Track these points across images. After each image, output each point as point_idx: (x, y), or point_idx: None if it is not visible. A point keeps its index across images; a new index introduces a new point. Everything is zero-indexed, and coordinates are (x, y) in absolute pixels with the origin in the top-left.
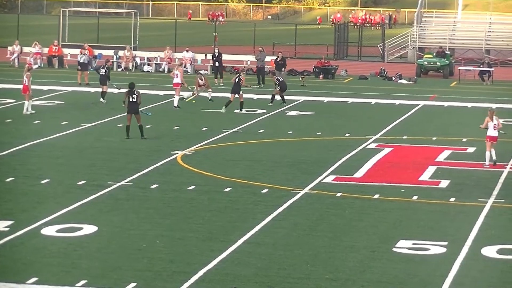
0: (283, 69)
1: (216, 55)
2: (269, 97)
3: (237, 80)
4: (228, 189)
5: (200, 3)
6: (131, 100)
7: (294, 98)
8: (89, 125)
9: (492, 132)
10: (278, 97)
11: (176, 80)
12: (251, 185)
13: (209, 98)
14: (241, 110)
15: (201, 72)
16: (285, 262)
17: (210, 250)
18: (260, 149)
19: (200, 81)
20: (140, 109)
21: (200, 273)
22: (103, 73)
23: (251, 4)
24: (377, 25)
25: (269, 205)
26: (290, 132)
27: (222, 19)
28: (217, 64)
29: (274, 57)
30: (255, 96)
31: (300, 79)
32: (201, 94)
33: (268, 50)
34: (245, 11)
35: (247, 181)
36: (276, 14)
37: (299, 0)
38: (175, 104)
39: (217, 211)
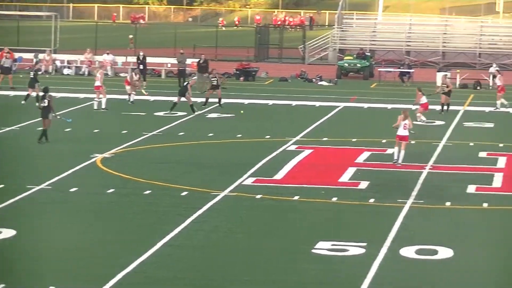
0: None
1: (141, 58)
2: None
3: (185, 83)
4: (147, 192)
5: (121, 5)
6: (43, 104)
7: (215, 100)
8: (8, 128)
9: (401, 132)
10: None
11: (97, 83)
12: (170, 187)
13: (130, 100)
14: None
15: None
16: (205, 264)
17: (129, 253)
18: (180, 152)
19: (134, 76)
20: (58, 115)
21: (119, 276)
22: (32, 76)
23: (172, 6)
24: (298, 27)
25: (188, 207)
26: (210, 135)
27: (143, 22)
28: (141, 67)
29: (196, 60)
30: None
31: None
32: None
33: (189, 53)
34: (166, 14)
35: (167, 184)
36: (197, 16)
37: (220, 2)
38: (95, 107)
39: (137, 214)
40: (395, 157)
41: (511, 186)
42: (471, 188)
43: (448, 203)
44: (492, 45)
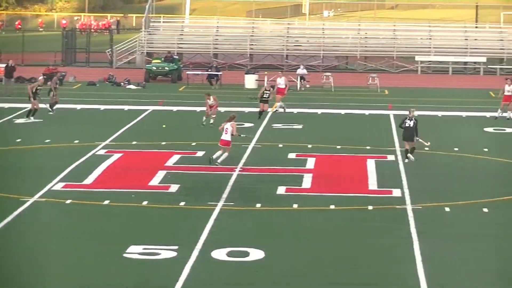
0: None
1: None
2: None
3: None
4: None
5: None
6: None
7: (24, 105)
8: None
9: (224, 136)
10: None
11: None
12: None
13: None
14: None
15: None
16: (14, 270)
17: None
18: None
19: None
20: None
21: None
22: None
23: None
24: (105, 31)
25: None
26: (18, 140)
27: None
28: None
29: (3, 64)
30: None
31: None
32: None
33: None
34: None
35: None
36: (3, 21)
37: (25, 7)
38: None
39: None
40: (214, 156)
41: (320, 187)
42: (281, 190)
43: (258, 205)
44: (299, 46)
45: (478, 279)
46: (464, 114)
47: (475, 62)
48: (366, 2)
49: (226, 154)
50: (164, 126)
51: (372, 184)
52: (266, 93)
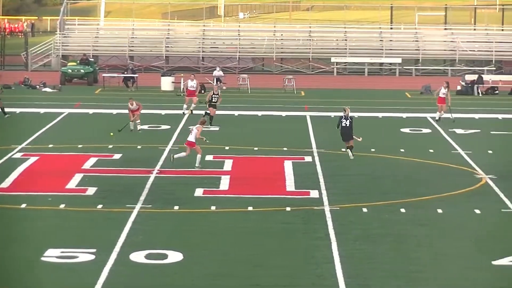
0: None
1: None
2: None
3: None
4: None
5: None
6: None
7: None
8: None
9: (189, 137)
10: None
11: None
12: None
13: None
14: None
15: None
16: None
17: None
18: None
19: None
20: None
21: None
22: None
23: None
24: (20, 34)
25: None
26: None
27: None
28: None
29: None
30: None
31: None
32: None
33: None
34: None
35: None
36: None
37: None
38: None
39: None
40: (178, 155)
41: (238, 189)
42: (199, 192)
43: (176, 207)
44: (215, 48)
45: (396, 279)
46: (380, 115)
47: (390, 63)
48: (281, 4)
49: (184, 153)
50: (112, 134)
51: (290, 185)
52: (215, 97)
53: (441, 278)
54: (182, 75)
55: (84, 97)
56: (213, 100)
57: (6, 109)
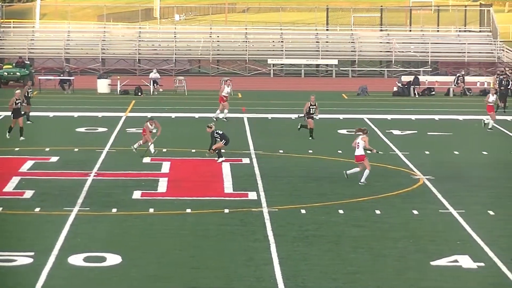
0: None
1: None
2: None
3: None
4: None
5: None
6: None
7: None
8: None
9: (357, 152)
10: None
11: None
12: None
13: None
14: None
15: None
16: None
17: None
18: None
19: None
20: None
21: None
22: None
23: None
24: None
25: None
26: None
27: None
28: None
29: None
30: None
31: None
32: None
33: None
34: None
35: None
36: None
37: None
38: None
39: None
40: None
41: (176, 191)
42: (137, 194)
43: (114, 210)
44: (151, 50)
45: (334, 280)
46: (317, 116)
47: (327, 65)
48: (217, 6)
49: (357, 169)
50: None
51: (228, 187)
52: (312, 108)
53: (379, 279)
54: (118, 77)
55: None
56: (311, 112)
57: None
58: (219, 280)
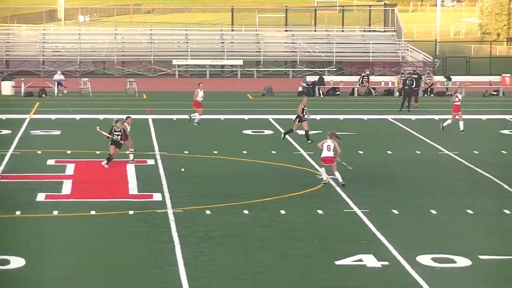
0: None
1: None
2: None
3: None
4: None
5: None
6: None
7: None
8: None
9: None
10: None
11: None
12: None
13: None
14: None
15: None
16: None
17: None
18: None
19: None
20: None
21: None
22: None
23: None
24: None
25: None
26: None
27: None
28: None
29: None
30: None
31: None
32: None
33: None
34: None
35: None
36: None
37: None
38: None
39: None
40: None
41: (81, 193)
42: (41, 196)
43: (18, 212)
44: (56, 52)
45: (240, 280)
46: (222, 117)
47: (232, 65)
48: (122, 7)
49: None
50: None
51: (133, 188)
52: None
53: (285, 279)
54: (22, 79)
55: None
56: (304, 114)
57: None
58: (125, 282)
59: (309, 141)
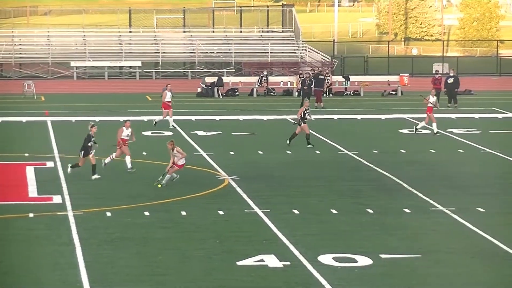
0: None
1: None
2: None
3: None
4: None
5: None
6: None
7: None
8: None
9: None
10: None
11: None
12: None
13: None
14: None
15: None
16: None
17: None
18: None
19: None
20: None
21: None
22: None
23: None
24: None
25: None
26: None
27: None
28: None
29: None
30: None
31: None
32: None
33: None
34: None
35: None
36: None
37: None
38: None
39: None
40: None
41: (4, 196)
42: None
43: None
44: None
45: (141, 282)
46: (121, 118)
47: (130, 67)
48: (19, 9)
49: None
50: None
51: (32, 191)
52: (307, 112)
53: (187, 280)
54: None
55: None
56: (306, 117)
57: None
58: (26, 285)
59: (310, 145)
